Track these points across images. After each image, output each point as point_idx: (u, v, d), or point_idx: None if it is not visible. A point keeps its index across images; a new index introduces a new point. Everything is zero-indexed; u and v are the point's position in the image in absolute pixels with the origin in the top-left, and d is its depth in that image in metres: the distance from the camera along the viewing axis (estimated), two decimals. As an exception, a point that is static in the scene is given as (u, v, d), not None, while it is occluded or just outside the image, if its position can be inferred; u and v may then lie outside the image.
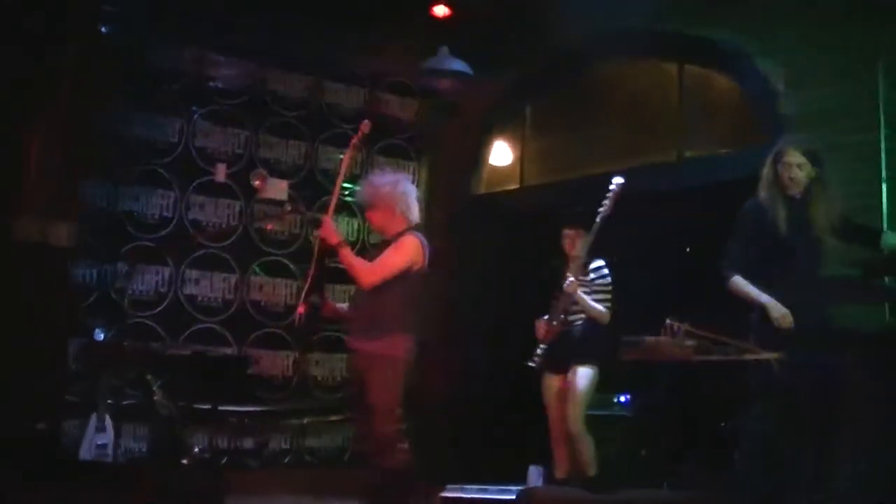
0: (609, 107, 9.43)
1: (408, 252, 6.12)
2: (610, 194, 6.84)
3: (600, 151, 9.43)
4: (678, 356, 5.82)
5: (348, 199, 9.07)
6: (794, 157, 5.83)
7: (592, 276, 7.03)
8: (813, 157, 5.85)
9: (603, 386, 7.08)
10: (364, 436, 6.13)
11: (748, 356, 5.59)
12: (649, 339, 5.98)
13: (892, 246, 6.09)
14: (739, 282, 5.80)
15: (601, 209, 6.84)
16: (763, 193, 5.88)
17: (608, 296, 6.99)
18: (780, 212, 5.78)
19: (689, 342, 5.82)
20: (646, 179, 8.71)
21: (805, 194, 5.86)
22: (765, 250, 5.78)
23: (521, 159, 10.30)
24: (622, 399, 7.77)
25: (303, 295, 6.12)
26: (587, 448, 6.84)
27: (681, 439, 7.18)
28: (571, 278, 6.92)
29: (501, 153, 10.48)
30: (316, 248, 6.15)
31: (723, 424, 5.86)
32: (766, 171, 5.92)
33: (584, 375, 6.91)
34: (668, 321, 5.88)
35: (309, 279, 6.12)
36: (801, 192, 5.86)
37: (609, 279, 7.00)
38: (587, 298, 6.98)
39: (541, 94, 10.15)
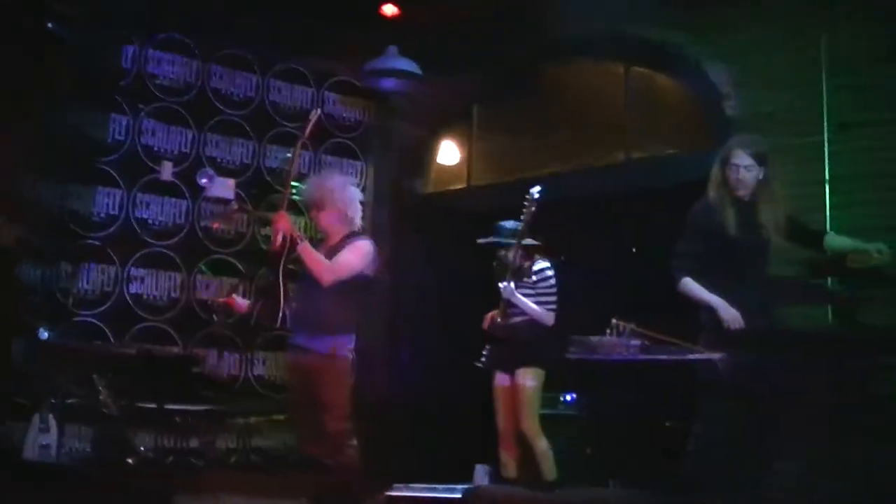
0: (557, 108, 9.48)
1: (364, 255, 6.24)
2: (528, 204, 6.89)
3: (548, 153, 9.51)
4: (623, 355, 5.90)
5: (295, 197, 9.10)
6: (742, 160, 5.88)
7: (535, 278, 7.03)
8: (760, 159, 5.93)
9: (549, 385, 7.09)
10: (310, 435, 6.14)
11: (692, 356, 5.65)
12: (594, 338, 6.06)
13: (834, 248, 6.20)
14: (689, 283, 5.84)
15: (522, 217, 6.89)
16: (712, 194, 5.94)
17: (551, 297, 6.99)
18: (729, 213, 5.82)
19: (635, 342, 5.90)
20: (593, 181, 8.83)
21: (753, 196, 5.94)
22: (714, 251, 5.80)
23: (469, 160, 10.30)
24: (568, 398, 7.82)
25: (281, 298, 6.15)
26: (544, 450, 6.88)
27: (627, 438, 7.25)
28: (506, 284, 7.00)
29: (449, 153, 10.49)
30: (277, 246, 6.17)
31: (667, 424, 5.95)
32: (714, 172, 5.98)
33: (530, 377, 6.93)
34: (614, 321, 5.96)
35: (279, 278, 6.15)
36: (749, 194, 5.94)
37: (552, 281, 6.99)
38: (527, 301, 7.00)
39: (489, 95, 10.17)
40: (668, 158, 8.45)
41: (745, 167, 5.87)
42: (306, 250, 6.08)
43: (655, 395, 6.46)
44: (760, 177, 5.91)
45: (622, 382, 6.15)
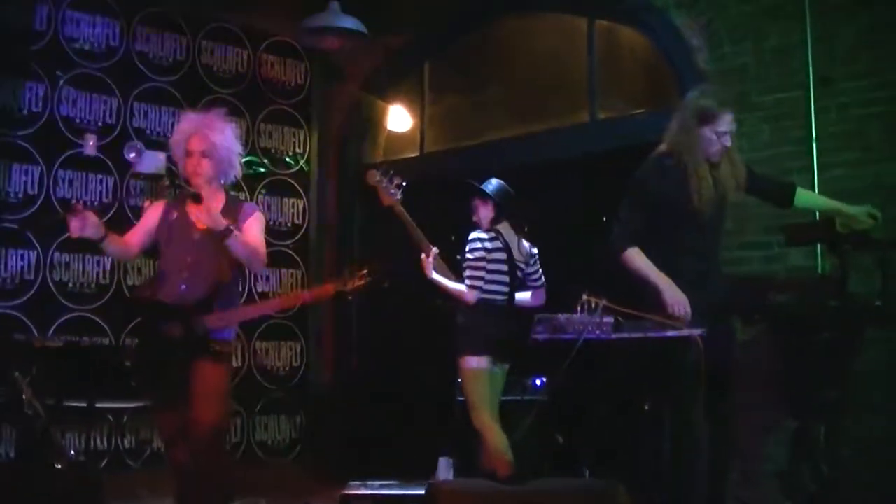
0: (514, 66, 9.47)
1: (264, 230, 6.23)
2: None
3: (507, 114, 9.53)
4: (596, 334, 5.86)
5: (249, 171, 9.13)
6: (730, 125, 5.82)
7: (467, 251, 7.02)
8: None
9: (513, 369, 7.10)
10: (179, 429, 6.01)
11: (670, 333, 5.63)
12: (563, 316, 6.02)
13: (805, 205, 6.19)
14: (635, 256, 5.79)
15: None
16: (677, 159, 5.85)
17: (473, 272, 6.92)
18: (701, 181, 5.77)
19: (608, 319, 5.86)
20: (557, 143, 8.81)
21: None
22: (669, 221, 5.80)
23: (421, 124, 10.29)
24: (536, 382, 7.77)
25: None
26: (493, 440, 6.81)
27: (601, 424, 7.23)
28: (427, 257, 7.08)
29: (399, 118, 10.47)
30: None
31: (646, 408, 5.93)
32: (680, 133, 5.91)
33: (464, 363, 6.91)
34: (584, 297, 5.92)
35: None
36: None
37: (477, 254, 6.95)
38: (440, 279, 7.06)
39: (440, 52, 10.17)
40: (636, 118, 8.42)
41: (731, 133, 5.82)
42: (239, 235, 5.98)
43: (632, 377, 6.41)
44: None
45: (595, 364, 6.12)
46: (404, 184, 7.32)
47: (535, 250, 7.20)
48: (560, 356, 6.25)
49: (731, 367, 5.86)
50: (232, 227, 5.85)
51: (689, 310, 5.59)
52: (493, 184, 7.12)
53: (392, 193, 7.29)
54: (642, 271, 5.76)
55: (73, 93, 9.00)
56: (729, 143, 5.81)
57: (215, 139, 6.06)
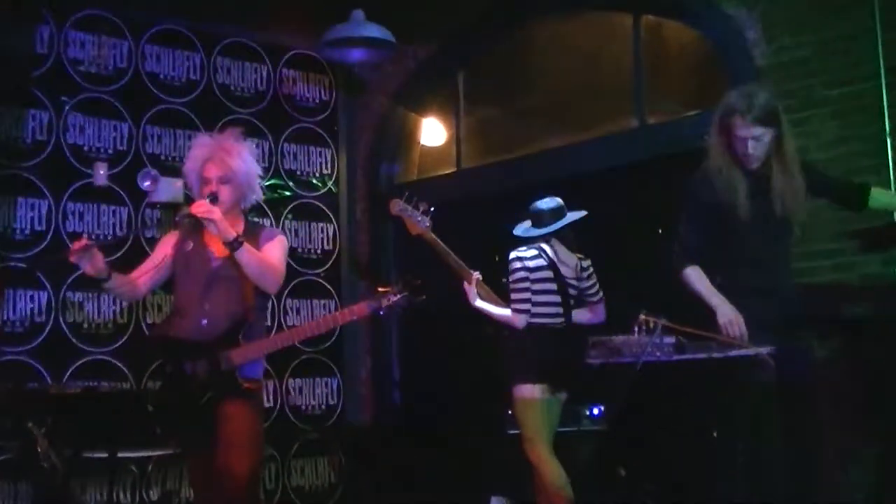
0: (554, 72, 9.42)
1: (287, 254, 6.23)
2: None
3: (548, 123, 9.49)
4: (656, 356, 5.80)
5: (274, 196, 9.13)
6: (747, 131, 5.76)
7: (509, 271, 6.95)
8: (768, 120, 5.79)
9: (568, 397, 7.02)
10: (209, 477, 5.95)
11: (737, 352, 5.56)
12: (619, 338, 5.97)
13: (880, 203, 6.08)
14: (691, 275, 5.79)
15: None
16: (713, 166, 5.82)
17: (518, 294, 6.84)
18: (738, 189, 5.73)
19: (668, 339, 5.80)
20: (603, 152, 8.75)
21: (764, 163, 5.82)
22: (720, 236, 5.78)
23: (457, 138, 10.24)
24: (593, 411, 7.72)
25: None
26: (550, 476, 6.73)
27: (667, 454, 7.13)
28: (468, 284, 7.03)
29: (433, 132, 10.46)
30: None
31: (714, 434, 5.83)
32: (712, 138, 5.87)
33: (516, 396, 6.85)
34: (641, 316, 5.86)
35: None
36: (760, 163, 5.82)
37: (519, 274, 6.86)
38: (486, 305, 7.02)
39: (474, 60, 10.12)
40: (688, 121, 8.31)
41: (753, 139, 5.75)
42: (252, 249, 5.92)
43: (698, 401, 6.32)
44: (771, 139, 5.78)
45: (656, 389, 6.03)
46: (432, 209, 7.23)
47: (587, 262, 7.09)
48: (618, 382, 6.18)
49: (808, 387, 5.76)
50: (242, 239, 5.79)
51: (743, 330, 5.52)
52: (542, 209, 7.03)
53: (419, 221, 7.21)
54: (699, 292, 5.71)
55: (80, 119, 8.99)
56: (752, 151, 5.72)
57: (232, 163, 6.03)
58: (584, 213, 7.00)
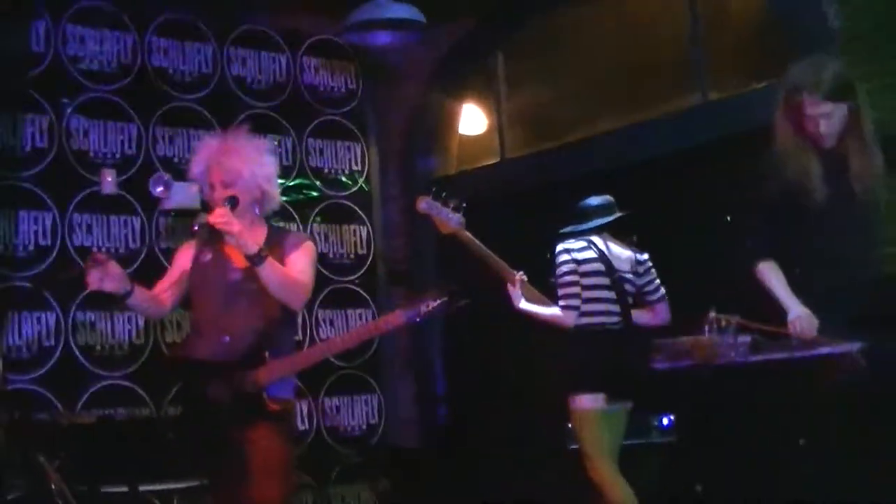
0: (603, 47, 9.39)
1: (315, 263, 6.09)
2: None
3: (598, 105, 9.45)
4: (730, 357, 5.73)
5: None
6: (819, 107, 5.68)
7: (556, 265, 6.92)
8: (840, 93, 5.70)
9: (634, 407, 6.99)
10: None
11: (822, 349, 5.48)
12: (687, 339, 5.90)
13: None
14: (765, 271, 5.76)
15: None
16: (783, 148, 5.76)
17: (568, 289, 6.81)
18: (811, 171, 5.66)
19: (743, 338, 5.73)
20: (661, 134, 8.75)
21: (840, 142, 5.74)
22: (795, 222, 5.75)
23: (499, 125, 10.25)
24: (662, 421, 7.72)
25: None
26: (616, 495, 6.71)
27: (747, 466, 7.07)
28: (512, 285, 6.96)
29: (471, 119, 10.49)
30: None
31: (800, 442, 5.76)
32: (780, 117, 5.80)
33: (574, 408, 6.81)
34: (711, 314, 5.79)
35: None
36: (835, 139, 5.74)
37: (567, 266, 6.84)
38: (531, 306, 6.95)
39: (513, 37, 10.11)
40: (756, 94, 8.24)
41: (824, 116, 5.67)
42: (275, 263, 5.87)
43: (779, 407, 6.24)
44: (845, 114, 5.70)
45: (732, 393, 5.97)
46: (464, 204, 7.15)
47: (645, 255, 7.02)
48: (688, 387, 6.12)
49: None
50: (265, 253, 5.72)
51: (815, 334, 5.45)
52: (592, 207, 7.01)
53: (450, 219, 7.11)
54: (774, 290, 5.64)
55: (83, 122, 9.03)
56: (824, 130, 5.65)
57: (237, 165, 5.95)
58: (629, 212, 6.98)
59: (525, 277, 6.99)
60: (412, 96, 10.44)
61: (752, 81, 8.40)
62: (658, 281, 7.09)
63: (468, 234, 7.06)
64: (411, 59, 10.19)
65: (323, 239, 10.10)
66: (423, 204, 7.18)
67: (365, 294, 10.37)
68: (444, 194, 7.15)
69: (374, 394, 10.28)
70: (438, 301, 5.91)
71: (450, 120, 10.50)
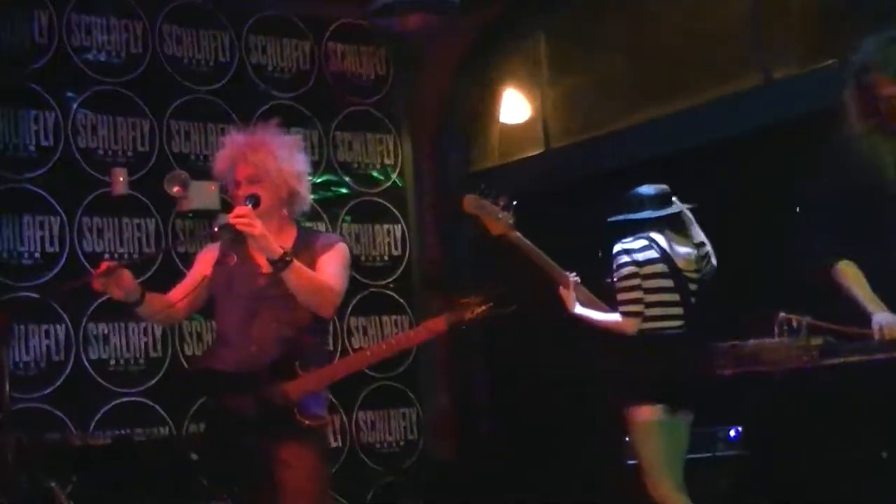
0: (654, 25, 9.35)
1: (348, 267, 6.07)
2: None
3: (650, 88, 9.40)
4: (803, 362, 5.67)
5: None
6: (891, 88, 5.61)
7: (613, 267, 6.87)
8: None
9: (698, 418, 6.95)
10: None
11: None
12: (754, 342, 5.84)
13: None
14: (842, 274, 5.64)
15: None
16: (852, 132, 5.69)
17: (629, 294, 6.76)
18: (884, 157, 5.60)
19: (816, 341, 5.67)
20: (720, 118, 8.72)
21: None
22: (868, 214, 5.63)
23: (542, 113, 10.21)
24: (729, 433, 7.67)
25: None
26: None
27: (825, 481, 7.02)
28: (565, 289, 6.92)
29: (512, 107, 10.43)
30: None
31: (883, 454, 5.69)
32: (849, 99, 5.73)
33: (631, 420, 6.78)
34: (780, 315, 5.73)
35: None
36: None
37: (628, 269, 6.78)
38: (587, 311, 6.92)
39: (555, 17, 10.06)
40: (824, 72, 8.18)
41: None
42: (302, 267, 5.83)
43: (857, 416, 6.19)
44: None
45: (805, 401, 5.91)
46: (514, 202, 7.11)
47: (706, 249, 6.96)
48: (756, 395, 6.07)
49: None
50: (290, 257, 5.69)
51: None
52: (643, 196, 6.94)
53: (500, 219, 7.08)
54: (850, 291, 5.57)
55: (90, 117, 9.05)
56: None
57: (265, 161, 5.93)
58: (692, 205, 6.91)
59: (578, 280, 6.95)
60: (447, 83, 10.43)
61: (819, 59, 8.35)
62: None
63: (518, 234, 7.02)
64: (445, 42, 10.17)
65: (354, 240, 10.09)
66: (472, 203, 7.14)
67: (400, 299, 10.34)
68: (493, 192, 7.12)
69: (412, 407, 10.26)
70: (484, 306, 5.88)
71: (488, 108, 10.47)
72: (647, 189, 6.88)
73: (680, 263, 6.83)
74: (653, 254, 6.77)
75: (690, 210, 6.95)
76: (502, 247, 7.17)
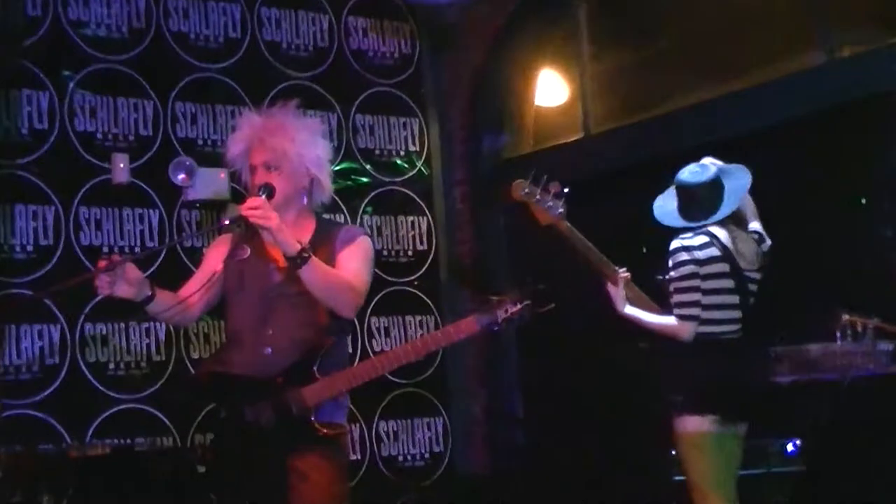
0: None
1: (371, 263, 6.04)
2: None
3: (700, 68, 9.37)
4: (870, 368, 5.67)
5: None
6: None
7: (670, 266, 6.78)
8: None
9: (752, 430, 6.80)
10: None
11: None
12: (816, 347, 5.83)
13: None
14: None
15: None
16: None
17: (687, 296, 6.66)
18: None
19: (884, 346, 5.66)
20: (778, 99, 8.69)
21: None
22: None
23: (582, 94, 10.19)
24: (786, 447, 7.63)
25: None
26: None
27: (887, 498, 7.02)
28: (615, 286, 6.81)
29: (549, 88, 10.43)
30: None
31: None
32: None
33: (679, 431, 6.67)
34: (844, 318, 5.71)
35: None
36: None
37: (687, 268, 6.69)
38: (637, 312, 6.82)
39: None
40: (890, 50, 8.17)
41: None
42: (321, 263, 5.80)
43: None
44: None
45: (871, 411, 5.88)
46: (566, 190, 7.07)
47: (768, 244, 6.91)
48: (817, 405, 6.04)
49: None
50: (308, 253, 5.66)
51: None
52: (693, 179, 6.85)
53: (551, 208, 7.03)
54: None
55: (89, 98, 9.05)
56: None
57: (283, 145, 5.90)
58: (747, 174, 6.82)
59: (629, 276, 6.89)
60: (478, 62, 10.42)
61: (886, 35, 8.31)
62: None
63: (568, 224, 6.98)
64: (476, 16, 10.17)
65: (375, 233, 10.10)
66: (522, 190, 7.10)
67: (425, 298, 10.34)
68: (544, 178, 7.08)
69: (439, 416, 10.25)
70: (520, 305, 5.83)
71: (523, 90, 10.47)
72: (694, 175, 6.78)
73: (742, 263, 6.78)
74: (714, 251, 6.68)
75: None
76: (540, 240, 7.14)
